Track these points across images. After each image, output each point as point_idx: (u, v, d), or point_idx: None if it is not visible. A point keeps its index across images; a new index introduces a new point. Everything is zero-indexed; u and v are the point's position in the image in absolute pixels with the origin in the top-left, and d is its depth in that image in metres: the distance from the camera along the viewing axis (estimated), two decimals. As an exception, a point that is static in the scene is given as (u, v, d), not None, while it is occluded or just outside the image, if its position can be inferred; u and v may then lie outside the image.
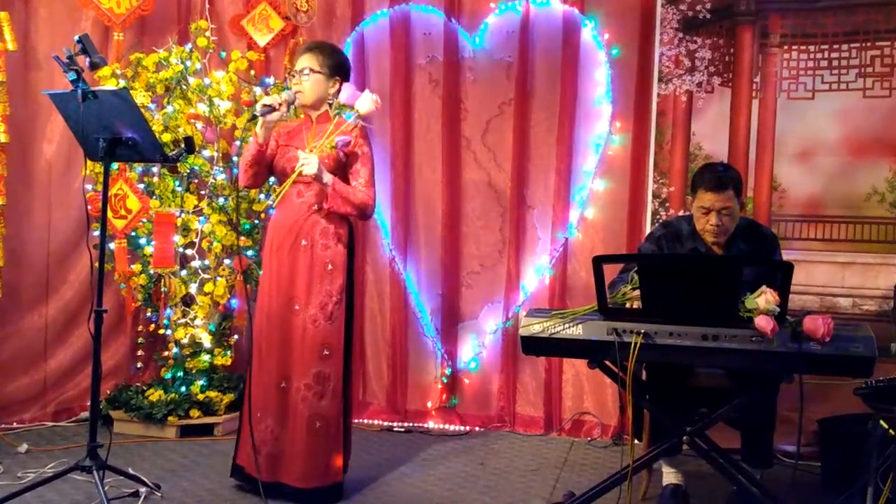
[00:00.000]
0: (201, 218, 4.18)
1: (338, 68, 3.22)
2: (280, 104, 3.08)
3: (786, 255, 3.18)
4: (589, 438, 4.19)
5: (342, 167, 3.18)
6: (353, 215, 3.19)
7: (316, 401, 3.11)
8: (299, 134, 3.24)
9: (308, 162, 3.03)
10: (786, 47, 3.95)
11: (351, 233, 3.25)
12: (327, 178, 3.07)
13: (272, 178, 3.44)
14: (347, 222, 3.23)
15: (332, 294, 3.14)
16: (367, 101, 3.16)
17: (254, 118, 3.11)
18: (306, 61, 3.18)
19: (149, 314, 4.26)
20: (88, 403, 3.25)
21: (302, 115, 3.33)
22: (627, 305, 2.81)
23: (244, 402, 3.20)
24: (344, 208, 3.12)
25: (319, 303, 3.13)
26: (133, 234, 4.11)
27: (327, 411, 3.12)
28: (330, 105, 3.27)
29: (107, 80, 3.99)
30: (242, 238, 4.26)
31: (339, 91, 3.22)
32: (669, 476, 3.16)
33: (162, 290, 4.10)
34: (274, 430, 3.15)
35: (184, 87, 4.14)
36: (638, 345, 2.61)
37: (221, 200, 4.17)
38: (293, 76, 3.21)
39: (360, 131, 3.19)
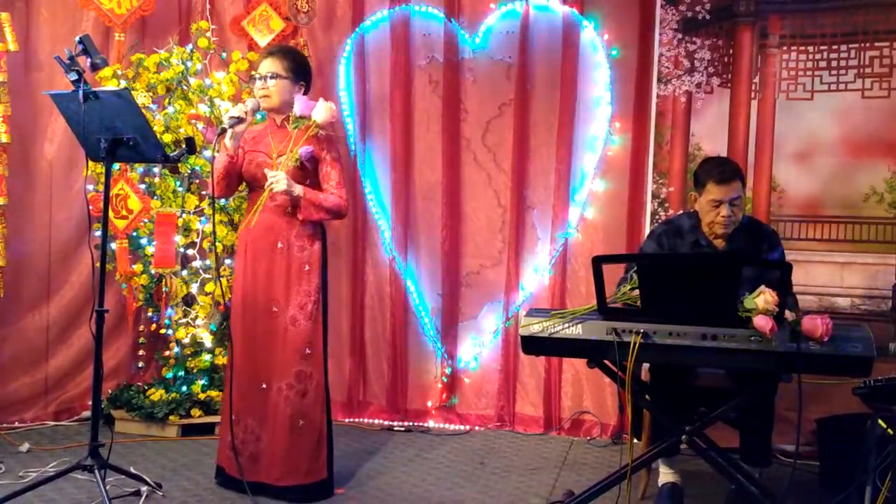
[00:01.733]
0: (202, 218, 4.19)
1: (302, 71, 3.26)
2: (247, 113, 3.14)
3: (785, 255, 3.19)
4: (588, 438, 4.20)
5: (312, 174, 3.22)
6: (328, 219, 3.24)
7: (298, 399, 3.14)
8: (265, 139, 3.26)
9: (276, 179, 3.08)
10: (785, 48, 3.96)
11: (323, 232, 3.29)
12: (298, 190, 3.12)
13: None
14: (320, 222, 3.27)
15: (311, 294, 3.18)
16: (322, 111, 3.17)
17: (223, 131, 3.15)
18: (270, 66, 3.20)
19: (150, 314, 4.27)
20: (90, 403, 3.26)
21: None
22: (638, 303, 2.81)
23: (223, 404, 3.22)
24: (318, 215, 3.17)
25: (298, 303, 3.16)
26: (134, 234, 4.12)
27: (310, 409, 3.16)
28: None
29: (108, 81, 4.00)
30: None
31: (303, 94, 3.24)
32: (667, 475, 3.17)
33: (163, 290, 4.11)
34: (255, 430, 3.18)
35: (185, 87, 4.16)
36: (637, 344, 2.62)
37: (222, 201, 4.17)
38: (254, 81, 3.23)
39: (324, 137, 3.22)
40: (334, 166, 3.22)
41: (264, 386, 3.17)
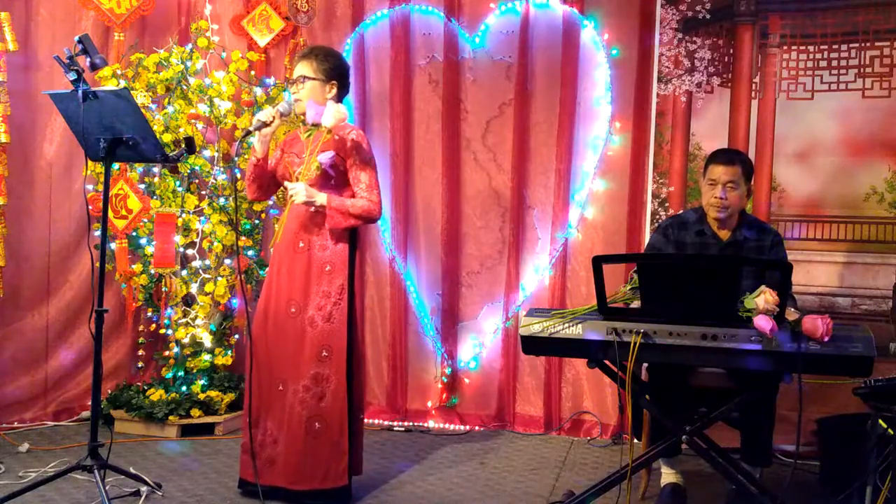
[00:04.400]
0: (202, 218, 4.19)
1: (333, 71, 3.20)
2: (273, 118, 3.11)
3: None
4: (588, 438, 4.20)
5: (340, 177, 3.15)
6: (359, 225, 3.16)
7: (315, 402, 3.08)
8: (299, 140, 3.25)
9: (295, 192, 3.05)
10: (785, 47, 3.96)
11: (353, 233, 3.20)
12: (320, 199, 3.07)
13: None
14: None
15: (331, 295, 3.11)
16: (330, 116, 3.10)
17: (248, 133, 3.14)
18: (301, 69, 3.18)
19: (150, 314, 4.27)
20: (89, 403, 3.26)
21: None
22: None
23: (244, 407, 3.22)
24: (347, 222, 3.09)
25: (317, 304, 3.10)
26: (134, 234, 4.12)
27: (328, 413, 3.08)
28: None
29: (107, 81, 4.00)
30: (243, 238, 4.27)
31: (337, 95, 3.20)
32: (669, 476, 3.17)
33: (163, 289, 4.11)
34: (273, 433, 3.14)
35: (184, 87, 4.15)
36: (637, 344, 2.62)
37: (222, 201, 4.18)
38: (291, 85, 3.21)
39: (351, 139, 3.15)
40: (364, 168, 3.13)
41: (281, 388, 3.12)
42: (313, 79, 3.16)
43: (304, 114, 3.22)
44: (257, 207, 4.34)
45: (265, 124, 3.09)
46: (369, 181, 3.14)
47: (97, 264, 3.16)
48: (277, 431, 3.13)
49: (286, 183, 3.13)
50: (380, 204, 3.16)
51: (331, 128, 3.13)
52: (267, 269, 3.38)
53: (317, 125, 3.15)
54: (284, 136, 3.35)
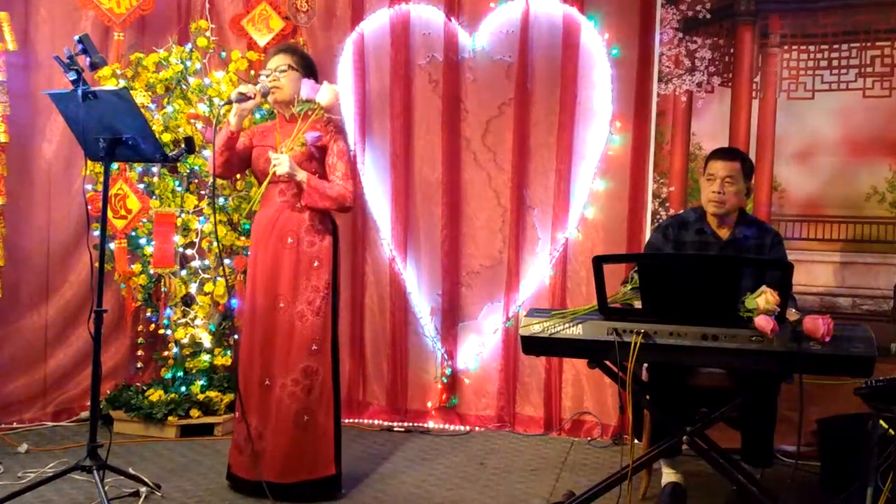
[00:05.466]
0: (201, 218, 4.18)
1: (308, 68, 3.28)
2: (255, 93, 3.15)
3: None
4: (589, 438, 4.19)
5: (318, 162, 3.20)
6: (331, 209, 3.21)
7: (304, 395, 3.11)
8: (272, 133, 3.28)
9: (279, 162, 3.08)
10: (786, 47, 3.95)
11: (335, 227, 3.27)
12: (301, 175, 3.11)
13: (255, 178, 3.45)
14: (330, 217, 3.26)
15: (319, 289, 3.15)
16: (326, 93, 3.15)
17: (228, 103, 3.16)
18: (282, 59, 3.23)
19: (149, 314, 4.27)
20: (88, 403, 3.26)
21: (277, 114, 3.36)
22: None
23: (236, 402, 3.24)
24: (322, 203, 3.15)
25: (306, 298, 3.13)
26: (133, 234, 4.12)
27: (316, 405, 3.13)
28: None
29: (107, 80, 4.00)
30: (242, 238, 4.26)
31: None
32: (669, 475, 3.17)
33: (162, 290, 4.10)
34: (258, 427, 3.15)
35: (184, 87, 4.15)
36: (638, 345, 2.62)
37: (221, 200, 4.17)
38: (267, 74, 3.23)
39: (332, 126, 3.21)
40: (341, 157, 3.20)
41: (267, 382, 3.14)
42: (295, 69, 3.22)
43: (281, 102, 3.23)
44: (257, 208, 4.32)
45: (246, 97, 3.13)
46: (345, 170, 3.20)
47: (96, 264, 3.16)
48: (263, 427, 3.14)
49: (270, 153, 3.14)
50: (353, 194, 3.24)
51: (325, 105, 3.16)
52: (249, 254, 3.36)
53: (310, 101, 3.17)
54: (254, 127, 3.37)
